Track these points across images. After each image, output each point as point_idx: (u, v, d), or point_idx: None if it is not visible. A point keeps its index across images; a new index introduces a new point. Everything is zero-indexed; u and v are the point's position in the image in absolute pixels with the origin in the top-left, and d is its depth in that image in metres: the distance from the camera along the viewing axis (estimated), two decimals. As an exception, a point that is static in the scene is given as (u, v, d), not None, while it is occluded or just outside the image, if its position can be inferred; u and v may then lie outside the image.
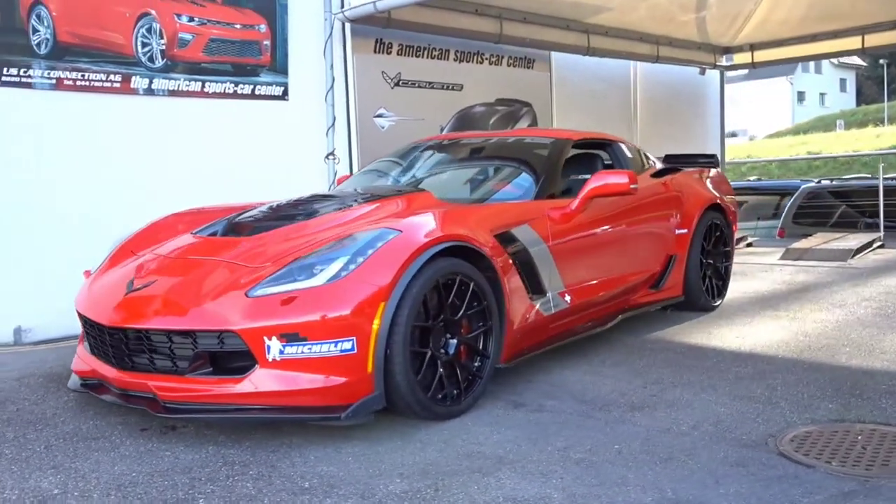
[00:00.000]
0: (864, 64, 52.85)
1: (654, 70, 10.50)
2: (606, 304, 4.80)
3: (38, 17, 5.44)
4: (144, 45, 5.91)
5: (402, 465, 2.99)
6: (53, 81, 5.49)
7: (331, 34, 6.91)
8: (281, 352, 3.15)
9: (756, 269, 7.94)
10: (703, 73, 11.34)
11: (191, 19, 6.14)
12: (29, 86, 5.38)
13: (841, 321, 5.32)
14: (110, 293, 3.68)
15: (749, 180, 17.11)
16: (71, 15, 5.55)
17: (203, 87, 6.24)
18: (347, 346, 3.18)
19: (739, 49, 11.36)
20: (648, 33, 9.84)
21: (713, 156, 6.33)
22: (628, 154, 5.55)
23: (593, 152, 5.41)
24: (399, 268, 3.29)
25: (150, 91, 5.95)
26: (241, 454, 3.14)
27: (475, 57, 8.26)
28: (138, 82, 5.89)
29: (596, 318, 4.71)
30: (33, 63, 5.40)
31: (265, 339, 3.15)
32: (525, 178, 4.74)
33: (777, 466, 2.89)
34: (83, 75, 5.62)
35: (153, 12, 5.94)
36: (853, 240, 9.10)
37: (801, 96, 53.70)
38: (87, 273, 4.18)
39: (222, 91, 6.34)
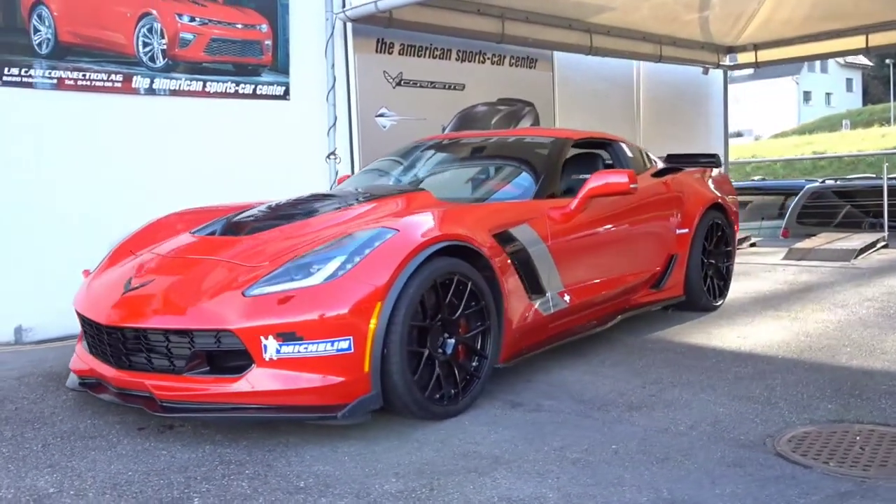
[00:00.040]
0: (871, 63, 52.72)
1: (657, 70, 10.48)
2: (606, 304, 4.79)
3: (40, 16, 5.45)
4: (146, 44, 5.92)
5: (399, 464, 2.99)
6: (54, 81, 5.50)
7: (332, 34, 6.91)
8: (277, 351, 3.15)
9: (759, 269, 7.92)
10: (706, 72, 11.32)
11: (192, 19, 6.15)
12: (30, 85, 5.39)
13: (843, 321, 5.30)
14: (108, 292, 3.69)
15: (753, 180, 17.09)
16: (72, 15, 5.56)
17: (204, 86, 6.24)
18: (344, 345, 3.17)
19: (743, 49, 11.33)
20: (651, 33, 9.82)
21: (715, 155, 6.31)
22: (629, 154, 5.54)
23: (594, 152, 5.40)
24: (396, 267, 3.29)
25: (151, 91, 5.95)
26: (238, 453, 3.14)
27: (477, 56, 8.25)
28: (139, 82, 5.90)
29: (596, 318, 4.70)
30: (34, 63, 5.41)
31: (262, 338, 3.15)
32: (525, 178, 4.74)
33: (774, 467, 2.87)
34: (84, 75, 5.63)
35: (154, 12, 5.95)
36: (857, 240, 9.07)
37: (806, 96, 53.60)
38: (86, 272, 4.19)
39: (223, 91, 6.35)
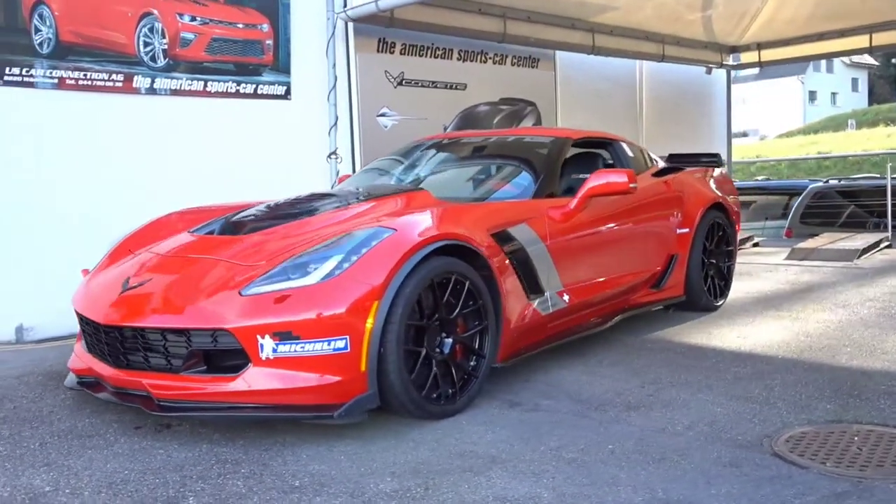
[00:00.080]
0: (877, 63, 52.53)
1: (659, 69, 10.46)
2: (606, 304, 4.78)
3: (41, 16, 5.46)
4: (147, 44, 5.93)
5: (394, 463, 2.99)
6: (56, 81, 5.51)
7: (333, 33, 6.91)
8: (274, 350, 3.15)
9: (761, 268, 7.90)
10: (709, 72, 11.30)
11: (193, 19, 6.16)
12: (31, 85, 5.41)
13: (843, 321, 5.28)
14: (106, 291, 3.69)
15: (757, 180, 17.05)
16: (73, 14, 5.57)
17: (205, 86, 6.25)
18: (340, 344, 3.17)
19: (746, 48, 11.31)
20: (654, 32, 9.81)
21: (717, 155, 6.29)
22: (629, 153, 5.52)
23: (595, 151, 5.40)
24: (393, 267, 3.29)
25: (152, 90, 5.96)
26: (234, 452, 3.14)
27: (479, 56, 8.25)
28: (140, 82, 5.91)
29: (595, 318, 4.69)
30: (35, 63, 5.42)
31: (258, 337, 3.15)
32: (524, 177, 4.73)
33: (770, 467, 2.86)
34: (85, 75, 5.64)
35: (155, 12, 5.96)
36: (860, 240, 9.04)
37: (812, 96, 53.41)
38: (85, 272, 4.19)
39: (224, 90, 6.36)
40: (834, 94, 54.12)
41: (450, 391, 3.53)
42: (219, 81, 6.31)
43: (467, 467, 2.93)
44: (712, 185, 6.00)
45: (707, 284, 5.69)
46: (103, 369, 3.54)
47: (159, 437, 3.33)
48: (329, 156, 6.92)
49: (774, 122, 47.98)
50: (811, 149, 32.47)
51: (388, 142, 6.87)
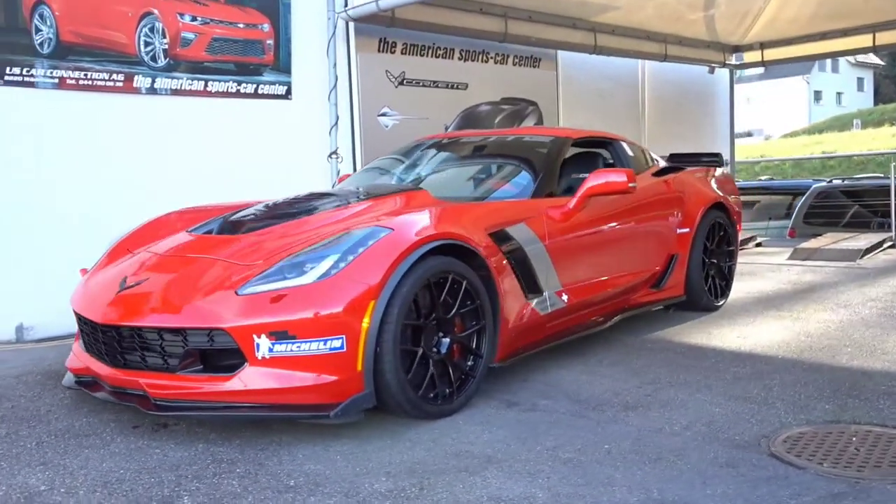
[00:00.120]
0: (882, 63, 52.39)
1: (662, 69, 10.44)
2: (606, 304, 4.77)
3: (41, 16, 5.47)
4: (147, 44, 5.93)
5: (390, 463, 2.98)
6: (56, 81, 5.52)
7: (334, 33, 6.91)
8: (270, 350, 3.15)
9: (763, 268, 7.88)
10: (712, 71, 11.27)
11: (193, 18, 6.16)
12: (32, 85, 5.42)
13: (845, 321, 5.26)
14: (104, 291, 3.70)
15: (760, 180, 17.00)
16: (74, 14, 5.58)
17: (206, 86, 6.25)
18: (337, 344, 3.17)
19: (749, 48, 11.28)
20: (656, 32, 9.79)
21: (718, 154, 6.27)
22: (630, 153, 5.51)
23: (595, 151, 5.39)
24: (389, 266, 3.28)
25: (152, 90, 5.97)
26: (230, 452, 3.14)
27: (480, 56, 8.24)
28: (141, 81, 5.91)
29: (595, 318, 4.68)
30: (36, 62, 5.43)
31: (254, 336, 3.15)
32: (523, 177, 4.72)
33: (767, 467, 2.85)
34: (86, 75, 5.64)
35: (156, 11, 5.97)
36: (863, 240, 9.01)
37: (817, 96, 53.28)
38: (84, 271, 4.20)
39: (225, 90, 6.36)
40: (839, 93, 53.98)
41: (447, 391, 3.53)
42: (219, 81, 6.32)
43: (463, 467, 2.93)
44: (713, 184, 5.99)
45: (708, 284, 5.67)
46: (101, 368, 3.54)
47: (156, 437, 3.33)
48: (330, 155, 6.92)
49: (779, 122, 47.87)
50: (816, 149, 32.36)
51: (389, 141, 6.86)
